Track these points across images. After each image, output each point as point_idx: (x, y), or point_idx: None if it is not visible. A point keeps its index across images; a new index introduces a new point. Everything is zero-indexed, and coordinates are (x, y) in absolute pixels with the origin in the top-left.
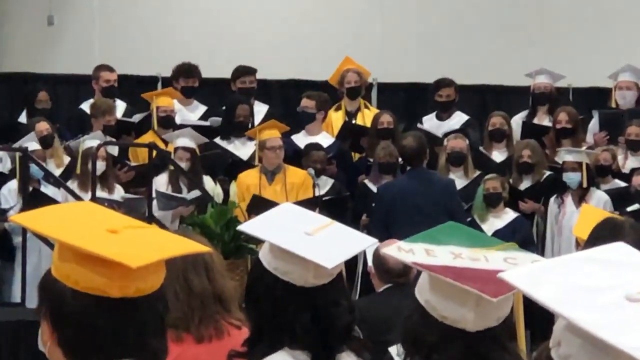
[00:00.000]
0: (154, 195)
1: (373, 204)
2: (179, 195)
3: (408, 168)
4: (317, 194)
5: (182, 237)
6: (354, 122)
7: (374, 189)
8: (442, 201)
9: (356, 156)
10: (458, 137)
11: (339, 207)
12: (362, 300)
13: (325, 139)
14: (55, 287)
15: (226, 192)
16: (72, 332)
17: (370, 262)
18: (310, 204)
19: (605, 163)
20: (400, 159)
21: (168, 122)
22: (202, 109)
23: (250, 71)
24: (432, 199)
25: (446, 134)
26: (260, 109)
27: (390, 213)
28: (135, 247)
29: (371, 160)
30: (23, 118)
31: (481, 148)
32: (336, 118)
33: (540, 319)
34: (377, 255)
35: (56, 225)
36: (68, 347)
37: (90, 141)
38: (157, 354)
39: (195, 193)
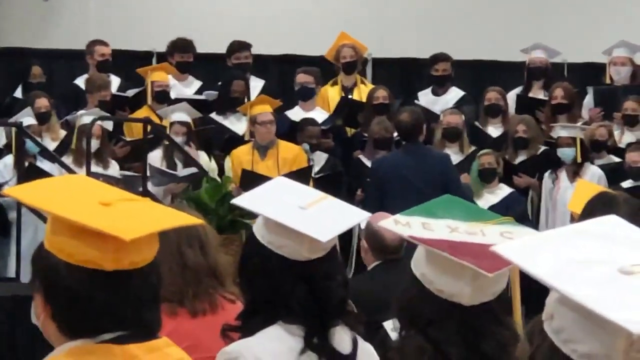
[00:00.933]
0: (148, 171)
1: (367, 179)
2: (171, 171)
3: (403, 143)
4: (311, 169)
5: (174, 209)
6: (350, 97)
7: (368, 164)
8: (436, 176)
9: (351, 131)
10: (454, 112)
11: (332, 183)
12: (353, 280)
13: (320, 114)
14: (49, 261)
15: (221, 167)
16: (66, 305)
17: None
18: (303, 174)
19: (601, 138)
20: (395, 134)
21: (163, 97)
22: (197, 84)
23: (245, 46)
24: (426, 174)
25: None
26: (256, 85)
27: (384, 188)
28: (129, 219)
29: (366, 135)
30: (19, 93)
31: (477, 123)
32: (333, 93)
33: (535, 293)
34: (371, 230)
35: (49, 198)
36: (61, 320)
37: (87, 117)
38: (151, 327)
39: (190, 170)
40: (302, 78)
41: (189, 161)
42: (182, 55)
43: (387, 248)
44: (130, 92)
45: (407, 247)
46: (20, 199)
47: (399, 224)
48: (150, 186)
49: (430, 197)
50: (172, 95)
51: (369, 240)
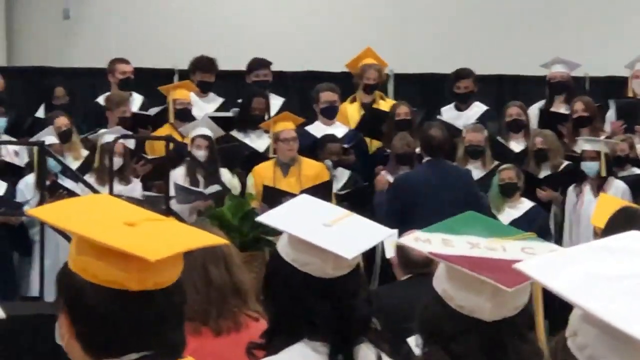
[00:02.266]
0: (170, 187)
1: (390, 191)
2: (197, 189)
3: (425, 159)
4: (334, 185)
5: (199, 229)
6: (373, 107)
7: (391, 179)
8: (461, 191)
9: (373, 147)
10: (476, 129)
11: (358, 198)
12: (382, 289)
13: (340, 129)
14: (73, 281)
15: (243, 185)
16: (90, 326)
17: (388, 254)
18: (323, 188)
19: (622, 154)
20: (418, 149)
21: (185, 115)
22: (218, 101)
23: (265, 64)
24: (452, 189)
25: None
26: (275, 102)
27: (409, 204)
28: (153, 240)
29: (388, 151)
30: (41, 113)
31: (499, 138)
32: (352, 110)
33: (559, 308)
34: (399, 245)
35: (73, 218)
36: (86, 340)
37: (108, 135)
38: (175, 347)
39: (215, 188)
40: (329, 96)
41: (212, 178)
42: (204, 75)
43: (413, 263)
44: (153, 111)
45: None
46: (44, 219)
47: (419, 241)
48: (175, 204)
49: (455, 212)
50: (194, 112)
51: (397, 254)
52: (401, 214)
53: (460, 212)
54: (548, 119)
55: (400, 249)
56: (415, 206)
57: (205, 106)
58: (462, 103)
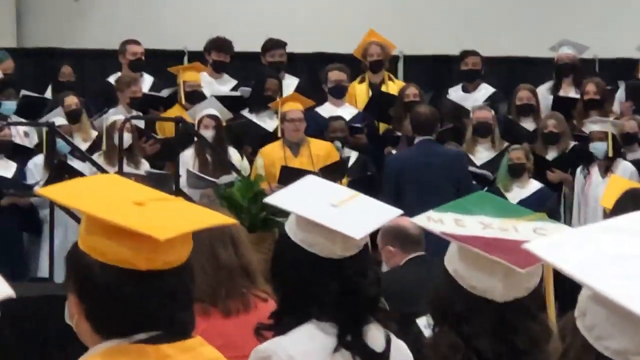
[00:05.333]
0: (180, 170)
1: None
2: (210, 179)
3: (417, 140)
4: (346, 163)
5: (208, 209)
6: (381, 90)
7: None
8: (449, 172)
9: (382, 127)
10: (483, 108)
11: (364, 186)
12: (384, 274)
13: (349, 110)
14: (83, 260)
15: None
16: (100, 305)
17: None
18: (338, 167)
19: (631, 131)
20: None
21: (195, 97)
22: (232, 82)
23: (280, 44)
24: (439, 171)
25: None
26: (290, 82)
27: (398, 184)
28: (162, 219)
29: (397, 133)
30: (48, 94)
31: (510, 117)
32: (360, 90)
33: (569, 289)
34: (390, 230)
35: (83, 197)
36: (95, 319)
37: (113, 116)
38: (184, 327)
39: (228, 178)
40: (337, 75)
41: (221, 160)
42: (219, 54)
43: (412, 237)
44: (165, 92)
45: (430, 240)
46: (54, 198)
47: (432, 221)
48: (183, 185)
49: (444, 193)
50: (208, 93)
51: (393, 238)
52: (395, 193)
53: (449, 192)
54: (562, 105)
55: (394, 230)
56: (405, 186)
57: (219, 87)
58: (469, 82)
